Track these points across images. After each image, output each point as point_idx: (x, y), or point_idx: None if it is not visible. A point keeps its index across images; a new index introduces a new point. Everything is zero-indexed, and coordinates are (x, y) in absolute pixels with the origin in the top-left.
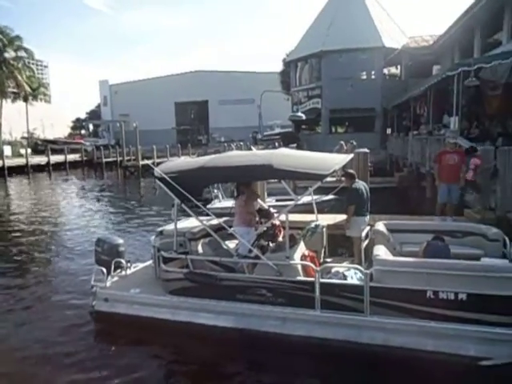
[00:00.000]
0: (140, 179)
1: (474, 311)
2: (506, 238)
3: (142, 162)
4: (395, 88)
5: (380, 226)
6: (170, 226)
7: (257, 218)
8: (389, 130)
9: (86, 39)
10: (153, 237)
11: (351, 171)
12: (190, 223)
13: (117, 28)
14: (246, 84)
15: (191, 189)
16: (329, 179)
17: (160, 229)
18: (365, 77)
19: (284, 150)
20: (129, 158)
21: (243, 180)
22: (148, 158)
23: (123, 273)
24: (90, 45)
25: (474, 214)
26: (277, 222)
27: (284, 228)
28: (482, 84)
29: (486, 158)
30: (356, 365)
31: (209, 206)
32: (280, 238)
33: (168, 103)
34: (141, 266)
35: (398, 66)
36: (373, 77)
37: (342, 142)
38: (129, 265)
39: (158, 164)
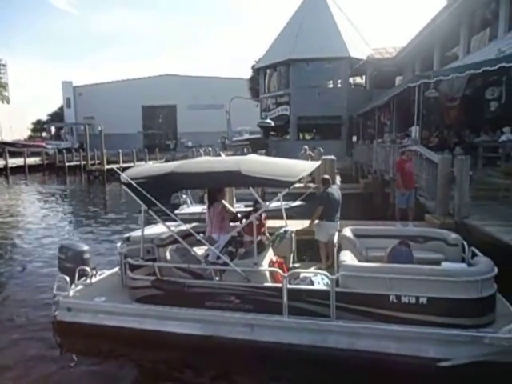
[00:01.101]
0: (105, 184)
1: (434, 314)
2: (465, 243)
3: (107, 167)
4: (360, 97)
5: (347, 231)
6: (137, 233)
7: (231, 224)
8: (354, 138)
9: (52, 40)
10: (119, 243)
11: (326, 176)
12: (158, 229)
13: (84, 29)
14: (215, 89)
15: (159, 195)
16: (297, 185)
17: (127, 235)
18: (331, 85)
19: (252, 157)
20: (93, 162)
21: (212, 186)
22: (113, 163)
23: (88, 281)
24: (56, 46)
25: (434, 219)
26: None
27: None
28: (440, 95)
29: (444, 166)
30: (322, 369)
31: (177, 212)
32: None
33: (135, 107)
34: (107, 273)
35: (363, 76)
36: (339, 86)
37: (306, 147)
38: (94, 272)
39: (124, 169)
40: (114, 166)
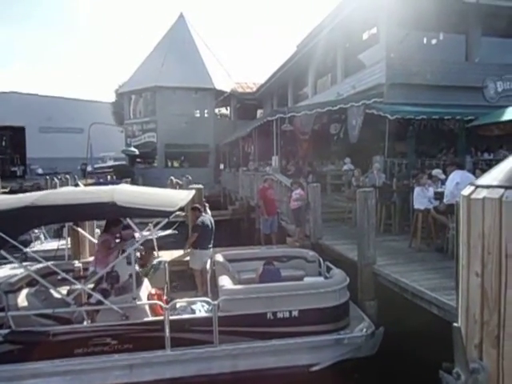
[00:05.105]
0: None
1: (305, 324)
2: (321, 259)
3: None
4: (226, 127)
5: (219, 257)
6: None
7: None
8: (222, 166)
9: None
10: None
11: (196, 205)
12: (2, 273)
13: None
14: (73, 112)
15: (13, 232)
16: None
17: None
18: (198, 115)
19: (126, 187)
20: None
21: (82, 220)
22: None
23: None
24: None
25: (294, 241)
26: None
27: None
28: (294, 129)
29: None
30: None
31: (28, 250)
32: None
33: None
34: None
35: (228, 108)
36: (206, 115)
37: (172, 178)
38: None
39: None
40: None
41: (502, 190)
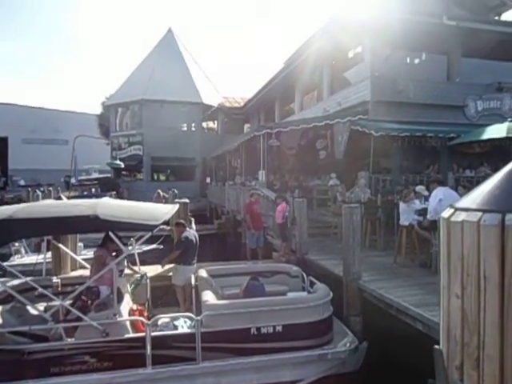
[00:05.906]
0: None
1: (289, 340)
2: (304, 274)
3: None
4: (213, 141)
5: (202, 272)
6: None
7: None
8: (208, 179)
9: None
10: None
11: (181, 221)
12: None
13: None
14: (58, 123)
15: None
16: None
17: None
18: (185, 128)
19: (109, 200)
20: None
21: (64, 233)
22: None
23: None
24: None
25: (280, 256)
26: None
27: None
28: (281, 144)
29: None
30: None
31: (7, 264)
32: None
33: None
34: None
35: (215, 122)
36: (193, 129)
37: (159, 191)
38: None
39: None
40: None
41: (479, 214)
